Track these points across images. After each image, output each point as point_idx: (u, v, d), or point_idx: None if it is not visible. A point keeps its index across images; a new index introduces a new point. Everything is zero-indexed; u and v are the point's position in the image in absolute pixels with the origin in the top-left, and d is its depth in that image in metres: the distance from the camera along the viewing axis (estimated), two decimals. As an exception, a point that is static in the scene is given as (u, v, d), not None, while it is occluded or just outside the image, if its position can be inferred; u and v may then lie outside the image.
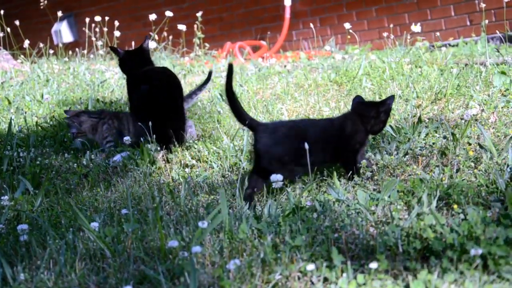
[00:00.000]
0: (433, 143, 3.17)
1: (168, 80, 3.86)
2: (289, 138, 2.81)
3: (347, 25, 5.62)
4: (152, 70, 3.94)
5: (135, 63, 3.97)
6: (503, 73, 4.13)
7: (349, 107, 4.10)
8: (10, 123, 4.15)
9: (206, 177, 3.27)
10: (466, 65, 4.74)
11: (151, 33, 6.62)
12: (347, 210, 2.52)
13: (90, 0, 9.78)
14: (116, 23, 6.84)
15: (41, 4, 7.09)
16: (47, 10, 7.27)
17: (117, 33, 6.62)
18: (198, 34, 6.86)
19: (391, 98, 2.95)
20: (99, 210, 2.96)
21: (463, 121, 3.43)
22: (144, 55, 4.02)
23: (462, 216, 2.35)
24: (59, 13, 7.15)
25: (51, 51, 7.21)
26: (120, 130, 3.97)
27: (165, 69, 4.02)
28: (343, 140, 2.87)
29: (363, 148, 2.93)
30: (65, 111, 4.12)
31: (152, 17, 6.33)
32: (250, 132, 2.92)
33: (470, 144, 3.12)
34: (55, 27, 9.61)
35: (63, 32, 9.73)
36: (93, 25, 7.01)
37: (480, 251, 1.98)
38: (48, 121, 4.69)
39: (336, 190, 2.70)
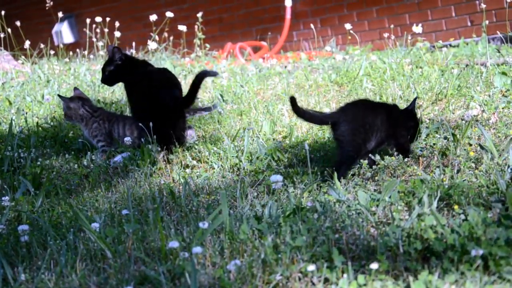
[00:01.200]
0: (434, 144, 3.17)
1: (168, 81, 3.86)
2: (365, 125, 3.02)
3: (347, 26, 5.61)
4: (152, 71, 3.94)
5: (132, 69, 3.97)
6: (504, 73, 4.13)
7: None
8: (10, 124, 4.15)
9: (206, 177, 3.27)
10: (466, 65, 4.74)
11: (151, 33, 6.62)
12: (347, 210, 2.52)
13: (90, 1, 9.78)
14: (117, 23, 6.84)
15: (47, 5, 7.09)
16: (51, 11, 7.27)
17: (117, 34, 6.62)
18: (198, 35, 6.86)
19: (413, 101, 3.20)
20: (99, 211, 2.97)
21: (463, 121, 3.43)
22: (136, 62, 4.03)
23: (462, 216, 2.35)
24: (60, 14, 7.15)
25: (52, 52, 7.22)
26: (110, 133, 3.95)
27: (165, 70, 4.02)
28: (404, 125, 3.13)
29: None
30: (75, 88, 4.13)
31: (153, 17, 6.33)
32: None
33: (470, 145, 3.12)
34: (56, 27, 9.62)
35: (64, 32, 9.74)
36: (93, 25, 7.01)
37: (481, 252, 1.98)
38: (49, 121, 4.69)
39: (337, 190, 2.70)
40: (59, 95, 4.05)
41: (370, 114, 3.03)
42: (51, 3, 7.19)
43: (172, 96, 3.78)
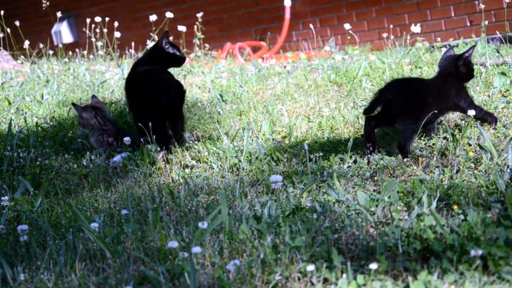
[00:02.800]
0: (433, 144, 3.17)
1: (165, 81, 3.84)
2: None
3: (347, 26, 5.61)
4: (150, 70, 3.91)
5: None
6: (503, 74, 4.13)
7: (348, 108, 4.12)
8: (10, 124, 4.15)
9: (206, 177, 3.27)
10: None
11: (151, 33, 6.62)
12: (347, 211, 2.52)
13: (90, 1, 9.78)
14: (116, 24, 6.84)
15: (43, 5, 7.09)
16: (49, 11, 7.27)
17: (117, 34, 6.62)
18: (198, 35, 6.86)
19: (470, 49, 3.38)
20: (99, 211, 2.97)
21: (463, 121, 3.43)
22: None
23: (462, 217, 2.35)
24: (59, 14, 7.15)
25: (51, 52, 7.21)
26: (111, 144, 3.94)
27: (162, 69, 4.00)
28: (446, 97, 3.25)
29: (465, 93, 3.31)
30: (93, 96, 4.11)
31: (152, 18, 6.32)
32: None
33: (470, 145, 3.13)
34: (55, 27, 9.62)
35: (63, 32, 9.74)
36: (93, 25, 7.01)
37: (480, 252, 1.98)
38: (48, 121, 4.69)
39: (336, 190, 2.70)
40: (73, 104, 3.99)
41: (422, 90, 3.17)
42: (47, 3, 7.18)
43: (169, 96, 3.75)
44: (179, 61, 4.02)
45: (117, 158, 3.67)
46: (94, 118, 3.92)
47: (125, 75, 6.12)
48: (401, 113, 3.12)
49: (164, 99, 3.71)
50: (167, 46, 3.96)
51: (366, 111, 3.17)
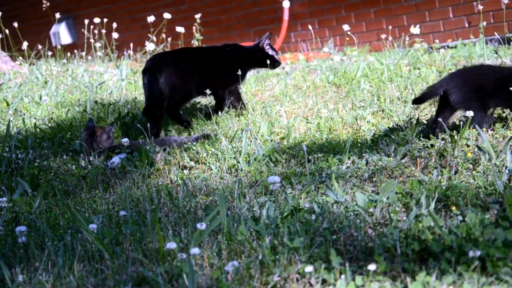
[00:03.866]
0: (432, 145, 3.17)
1: (154, 68, 3.92)
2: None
3: (345, 27, 5.61)
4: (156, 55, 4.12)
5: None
6: (501, 75, 4.12)
7: (347, 109, 4.12)
8: (8, 125, 4.14)
9: (204, 178, 3.27)
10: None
11: (149, 34, 6.62)
12: (345, 211, 2.53)
13: (88, 2, 9.78)
14: (115, 25, 6.84)
15: (43, 6, 7.08)
16: (48, 12, 7.27)
17: (115, 35, 6.62)
18: (196, 36, 6.86)
19: None
20: (97, 212, 2.97)
21: (461, 122, 3.43)
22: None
23: (460, 217, 2.35)
24: (58, 15, 7.15)
25: (50, 53, 7.21)
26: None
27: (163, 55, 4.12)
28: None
29: None
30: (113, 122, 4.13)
31: (151, 19, 6.32)
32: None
33: (468, 146, 3.13)
34: (54, 28, 9.61)
35: (62, 33, 9.73)
36: (91, 26, 7.00)
37: (478, 253, 1.98)
38: (47, 122, 4.68)
39: (335, 191, 2.70)
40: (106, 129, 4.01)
41: (482, 78, 3.25)
42: (48, 3, 7.18)
43: (154, 86, 3.85)
44: (274, 64, 4.16)
45: (115, 159, 3.67)
46: (84, 137, 3.94)
47: (124, 76, 6.14)
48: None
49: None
50: (267, 48, 4.05)
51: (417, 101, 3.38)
